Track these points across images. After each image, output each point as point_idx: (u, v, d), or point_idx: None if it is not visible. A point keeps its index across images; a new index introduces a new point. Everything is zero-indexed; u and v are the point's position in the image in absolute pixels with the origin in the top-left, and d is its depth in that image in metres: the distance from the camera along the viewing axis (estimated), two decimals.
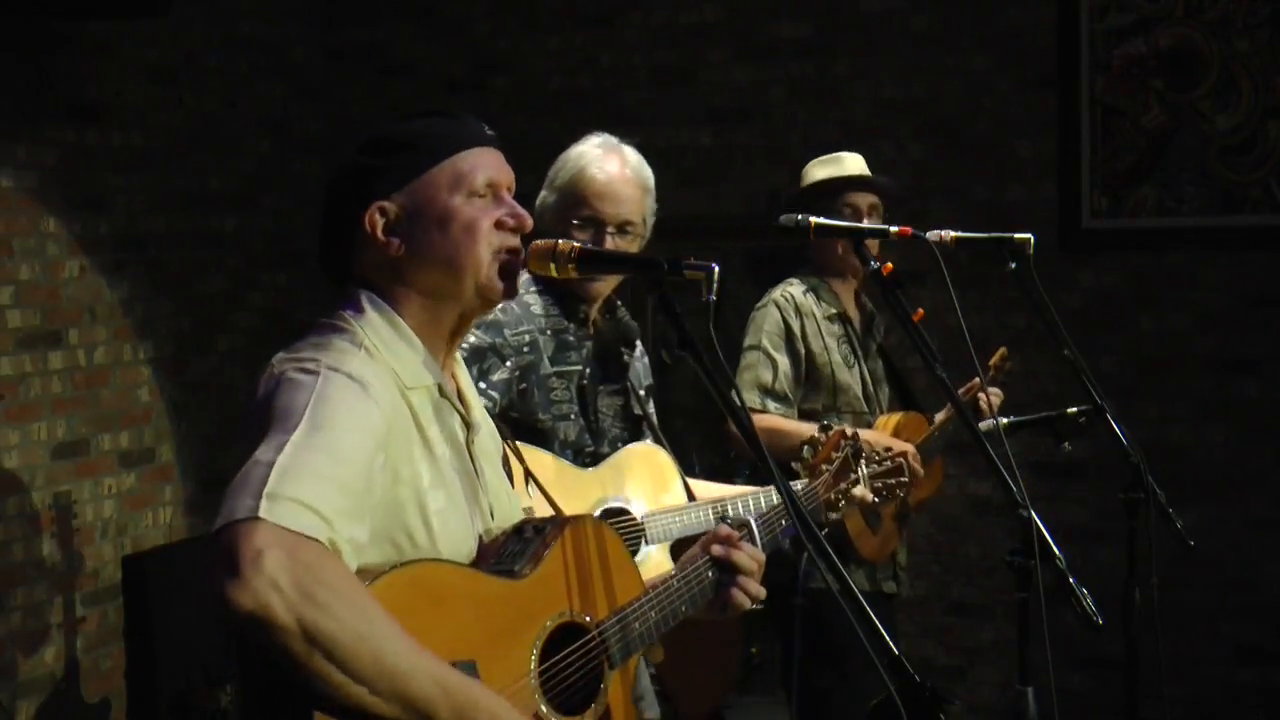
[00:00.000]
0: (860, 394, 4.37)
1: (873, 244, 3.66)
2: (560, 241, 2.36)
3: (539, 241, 2.37)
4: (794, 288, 4.37)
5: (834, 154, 4.43)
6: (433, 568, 2.05)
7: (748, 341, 4.35)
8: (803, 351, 4.28)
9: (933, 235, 3.30)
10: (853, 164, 4.38)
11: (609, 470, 3.22)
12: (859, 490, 3.32)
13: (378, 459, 2.01)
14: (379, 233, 2.17)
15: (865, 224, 4.23)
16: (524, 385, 3.18)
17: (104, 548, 5.45)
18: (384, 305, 2.18)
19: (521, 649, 2.12)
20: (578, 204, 3.28)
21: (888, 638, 2.11)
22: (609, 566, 2.29)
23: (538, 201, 3.33)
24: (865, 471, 3.33)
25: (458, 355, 2.30)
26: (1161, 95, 5.71)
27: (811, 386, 4.33)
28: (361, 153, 2.21)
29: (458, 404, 2.24)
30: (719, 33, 6.19)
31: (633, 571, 2.36)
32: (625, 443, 3.31)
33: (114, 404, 5.52)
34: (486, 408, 3.00)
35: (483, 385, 3.10)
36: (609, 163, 3.31)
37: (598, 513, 3.13)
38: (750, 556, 2.48)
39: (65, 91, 5.33)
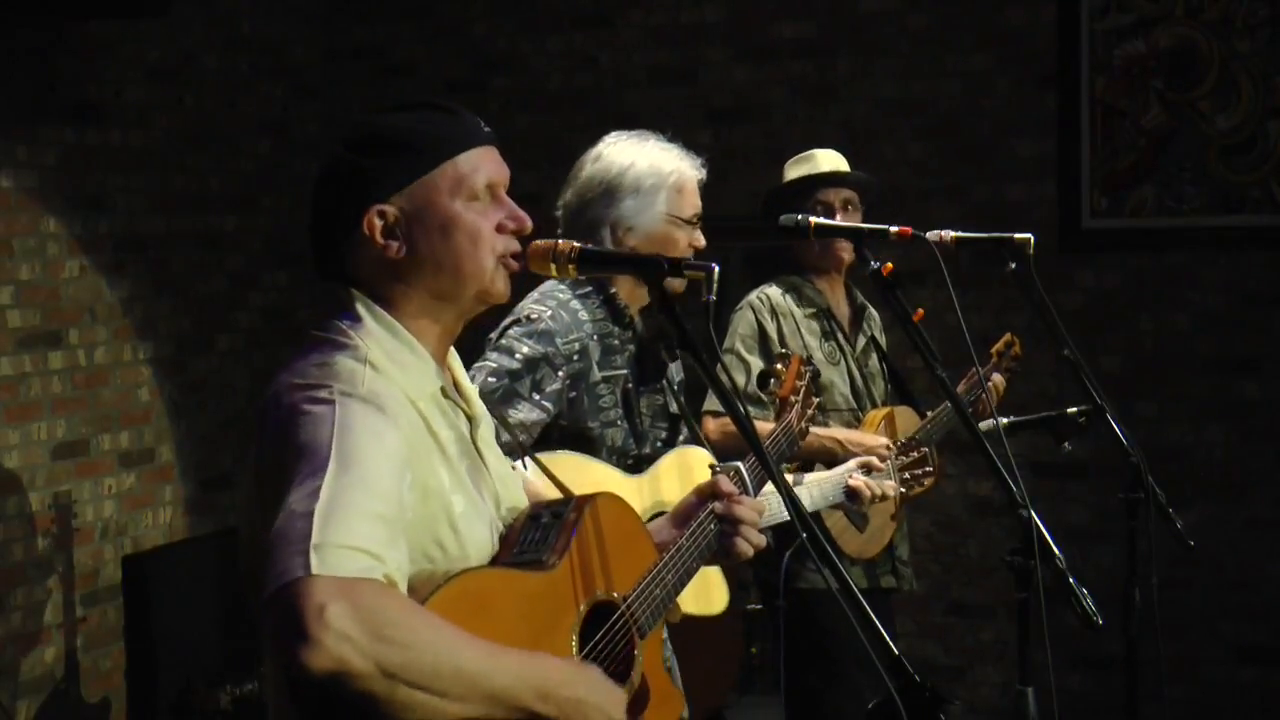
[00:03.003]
0: (848, 391, 4.34)
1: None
2: (560, 241, 2.36)
3: (538, 241, 2.37)
4: (771, 289, 4.35)
5: (807, 152, 4.40)
6: (475, 577, 2.08)
7: (724, 345, 4.33)
8: (779, 353, 4.26)
9: (933, 235, 3.30)
10: (825, 160, 4.34)
11: (648, 480, 3.21)
12: (888, 484, 3.34)
13: (405, 479, 2.01)
14: (378, 235, 2.14)
15: (839, 220, 4.20)
16: (574, 394, 3.14)
17: (104, 548, 5.45)
18: (381, 311, 2.15)
19: (562, 638, 2.17)
20: (681, 202, 3.28)
21: (887, 637, 2.11)
22: (625, 538, 2.33)
23: (582, 205, 3.28)
24: (894, 464, 3.35)
25: (452, 348, 2.29)
26: (1161, 95, 5.71)
27: None
28: (354, 150, 2.16)
29: (459, 400, 2.23)
30: (719, 33, 6.19)
31: (645, 538, 2.41)
32: (665, 442, 3.29)
33: (114, 404, 5.52)
34: (540, 420, 3.08)
35: (536, 397, 3.07)
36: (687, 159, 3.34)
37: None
38: (750, 507, 2.52)
39: (65, 91, 5.33)
